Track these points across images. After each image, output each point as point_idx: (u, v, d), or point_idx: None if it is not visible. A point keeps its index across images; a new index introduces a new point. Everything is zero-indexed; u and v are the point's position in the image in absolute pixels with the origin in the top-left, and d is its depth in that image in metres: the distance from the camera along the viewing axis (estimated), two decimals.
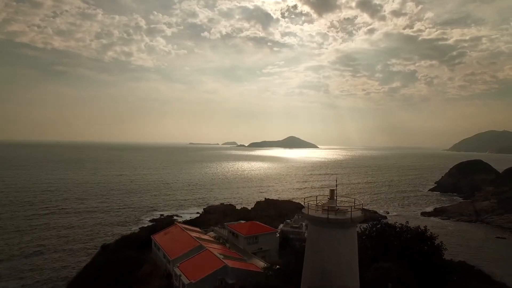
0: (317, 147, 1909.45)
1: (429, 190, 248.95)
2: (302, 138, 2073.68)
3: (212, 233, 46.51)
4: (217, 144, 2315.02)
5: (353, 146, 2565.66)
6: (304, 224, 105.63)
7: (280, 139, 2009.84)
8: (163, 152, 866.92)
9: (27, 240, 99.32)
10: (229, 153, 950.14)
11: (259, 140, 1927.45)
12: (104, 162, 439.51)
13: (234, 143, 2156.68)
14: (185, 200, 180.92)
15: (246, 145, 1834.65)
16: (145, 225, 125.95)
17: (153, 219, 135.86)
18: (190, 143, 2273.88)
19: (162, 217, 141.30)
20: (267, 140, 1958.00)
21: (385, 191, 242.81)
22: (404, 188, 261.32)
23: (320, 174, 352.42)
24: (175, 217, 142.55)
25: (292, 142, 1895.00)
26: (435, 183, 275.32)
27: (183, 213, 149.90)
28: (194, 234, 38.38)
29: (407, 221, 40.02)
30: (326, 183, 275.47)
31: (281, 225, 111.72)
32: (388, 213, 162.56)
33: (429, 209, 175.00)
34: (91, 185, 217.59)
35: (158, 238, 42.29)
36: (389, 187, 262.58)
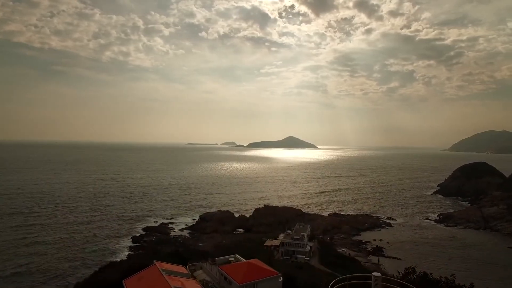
0: (316, 147, 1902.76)
1: (432, 194, 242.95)
2: (301, 138, 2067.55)
3: (200, 271, 39.31)
4: (216, 144, 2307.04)
5: (352, 146, 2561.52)
6: (305, 235, 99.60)
7: (279, 139, 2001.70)
8: (162, 152, 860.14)
9: (6, 258, 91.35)
10: (228, 153, 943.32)
11: (258, 140, 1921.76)
12: (102, 163, 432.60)
13: (233, 143, 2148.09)
14: (181, 206, 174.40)
15: (245, 145, 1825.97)
16: (138, 234, 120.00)
17: (147, 226, 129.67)
18: (189, 143, 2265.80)
19: (156, 224, 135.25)
20: (266, 140, 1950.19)
21: (387, 194, 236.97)
22: (406, 191, 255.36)
23: (322, 177, 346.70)
24: (170, 225, 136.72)
25: (291, 142, 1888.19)
26: (438, 185, 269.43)
27: (178, 221, 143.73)
28: (174, 283, 30.76)
29: (453, 274, 32.69)
30: (327, 188, 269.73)
31: (282, 235, 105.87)
32: (393, 220, 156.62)
33: (434, 215, 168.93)
34: (86, 189, 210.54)
35: (130, 285, 32.21)
36: (390, 190, 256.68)
